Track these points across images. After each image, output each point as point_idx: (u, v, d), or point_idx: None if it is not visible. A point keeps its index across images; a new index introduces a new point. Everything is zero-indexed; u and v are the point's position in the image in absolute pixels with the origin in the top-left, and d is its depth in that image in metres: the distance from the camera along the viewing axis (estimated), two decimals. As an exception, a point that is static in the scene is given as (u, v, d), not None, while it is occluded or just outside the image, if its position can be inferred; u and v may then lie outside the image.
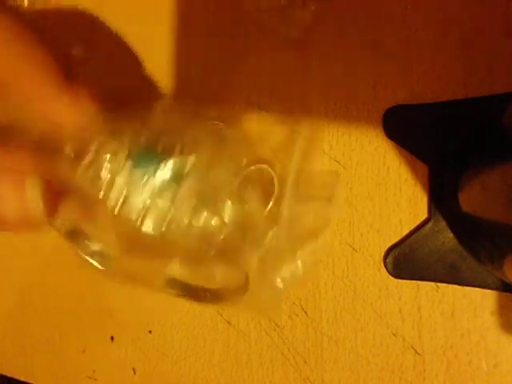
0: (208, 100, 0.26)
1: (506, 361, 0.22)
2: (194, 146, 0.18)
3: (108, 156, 0.17)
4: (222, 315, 0.26)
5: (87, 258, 0.18)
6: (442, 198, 0.23)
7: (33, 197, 0.17)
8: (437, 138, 0.23)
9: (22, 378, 0.31)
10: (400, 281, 0.23)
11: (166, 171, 0.17)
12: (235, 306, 0.20)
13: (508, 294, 0.22)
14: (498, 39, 0.22)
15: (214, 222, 0.18)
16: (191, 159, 0.18)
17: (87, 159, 0.17)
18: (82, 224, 0.18)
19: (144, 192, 0.17)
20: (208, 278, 0.18)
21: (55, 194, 0.18)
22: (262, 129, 0.25)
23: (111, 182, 0.17)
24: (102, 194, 0.17)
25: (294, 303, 0.25)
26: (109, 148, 0.17)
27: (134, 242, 0.18)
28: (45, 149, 0.18)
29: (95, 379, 0.29)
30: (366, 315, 0.24)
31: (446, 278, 0.23)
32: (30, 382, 0.31)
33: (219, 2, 0.27)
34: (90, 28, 0.28)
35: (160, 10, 0.28)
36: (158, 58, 0.28)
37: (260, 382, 0.25)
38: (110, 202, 0.17)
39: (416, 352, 0.23)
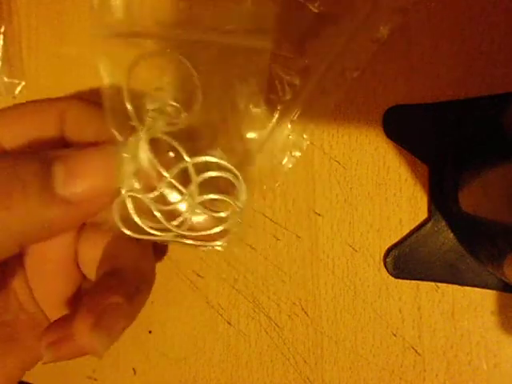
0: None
1: (506, 361, 0.22)
2: None
3: None
4: (222, 315, 0.26)
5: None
6: (442, 198, 0.23)
7: (111, 158, 0.18)
8: (437, 138, 0.23)
9: (22, 378, 0.31)
10: (400, 281, 0.23)
11: None
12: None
13: (508, 293, 0.22)
14: (498, 39, 0.22)
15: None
16: None
17: None
18: None
19: None
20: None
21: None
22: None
23: None
24: None
25: (294, 303, 0.25)
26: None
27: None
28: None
29: (95, 379, 0.29)
30: (366, 315, 0.24)
31: (446, 278, 0.23)
32: (29, 382, 0.31)
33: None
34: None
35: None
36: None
37: (260, 381, 0.25)
38: None
39: (416, 352, 0.23)
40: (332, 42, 0.23)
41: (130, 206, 0.18)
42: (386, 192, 0.24)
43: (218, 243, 0.19)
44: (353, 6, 0.23)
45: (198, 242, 0.19)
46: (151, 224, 0.19)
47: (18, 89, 0.28)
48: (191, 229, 0.19)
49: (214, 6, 0.19)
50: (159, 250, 0.26)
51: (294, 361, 0.25)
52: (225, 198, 0.19)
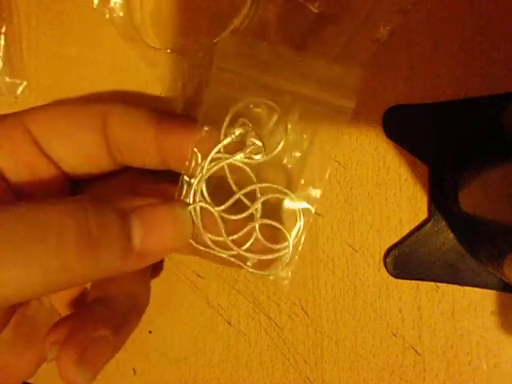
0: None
1: (506, 361, 0.22)
2: None
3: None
4: (222, 315, 0.26)
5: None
6: (442, 198, 0.23)
7: (185, 217, 0.19)
8: (437, 138, 0.23)
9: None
10: (400, 281, 0.23)
11: None
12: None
13: (508, 293, 0.22)
14: (498, 39, 0.22)
15: None
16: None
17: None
18: None
19: None
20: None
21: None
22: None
23: None
24: None
25: (294, 303, 0.25)
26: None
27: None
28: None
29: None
30: (366, 315, 0.24)
31: (446, 278, 0.23)
32: (29, 382, 0.31)
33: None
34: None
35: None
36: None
37: (260, 381, 0.25)
38: None
39: (416, 352, 0.23)
40: (332, 42, 0.24)
41: (197, 218, 0.20)
42: (386, 192, 0.24)
43: (271, 272, 0.20)
44: (353, 6, 0.23)
45: (251, 269, 0.20)
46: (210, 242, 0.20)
47: (20, 89, 0.28)
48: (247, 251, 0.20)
49: (306, 57, 0.19)
50: (154, 268, 0.26)
51: (294, 361, 0.25)
52: (282, 228, 0.20)
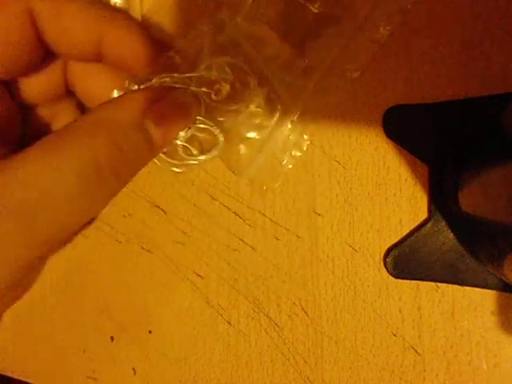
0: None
1: (506, 361, 0.22)
2: None
3: None
4: (222, 315, 0.26)
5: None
6: (442, 198, 0.23)
7: (189, 99, 0.19)
8: (437, 138, 0.23)
9: (22, 378, 0.31)
10: (400, 281, 0.23)
11: None
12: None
13: (508, 293, 0.22)
14: (498, 39, 0.22)
15: None
16: None
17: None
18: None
19: None
20: None
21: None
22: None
23: None
24: None
25: (294, 303, 0.25)
26: None
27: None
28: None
29: (95, 379, 0.29)
30: (366, 315, 0.24)
31: (446, 278, 0.23)
32: (30, 381, 0.31)
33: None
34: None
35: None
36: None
37: (260, 381, 0.25)
38: None
39: (416, 352, 0.23)
40: (332, 43, 0.24)
41: None
42: (386, 192, 0.24)
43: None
44: (353, 6, 0.23)
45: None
46: None
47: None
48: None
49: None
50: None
51: (294, 361, 0.25)
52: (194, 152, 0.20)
